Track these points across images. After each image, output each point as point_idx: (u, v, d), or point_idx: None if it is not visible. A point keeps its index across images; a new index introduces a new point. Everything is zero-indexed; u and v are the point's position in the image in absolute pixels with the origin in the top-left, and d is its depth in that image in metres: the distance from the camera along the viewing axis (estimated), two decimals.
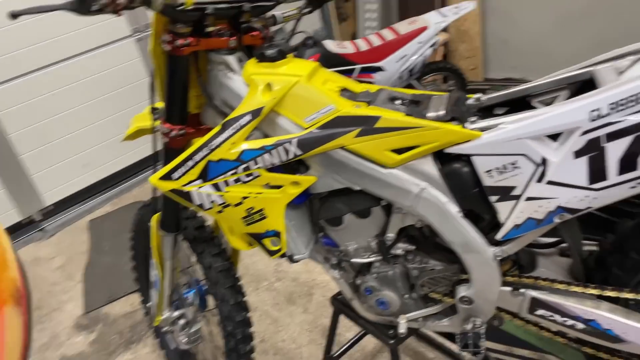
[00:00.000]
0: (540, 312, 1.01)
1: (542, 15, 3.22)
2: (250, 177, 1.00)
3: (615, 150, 0.80)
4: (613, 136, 0.80)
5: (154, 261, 1.32)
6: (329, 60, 2.51)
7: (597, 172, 0.82)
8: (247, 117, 0.97)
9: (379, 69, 2.59)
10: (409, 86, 2.87)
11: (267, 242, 1.08)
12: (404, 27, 2.61)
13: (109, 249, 2.49)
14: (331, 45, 2.56)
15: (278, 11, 1.90)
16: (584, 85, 0.96)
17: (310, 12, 2.46)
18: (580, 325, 0.98)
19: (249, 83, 1.01)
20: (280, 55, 1.01)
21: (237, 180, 1.00)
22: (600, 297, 0.98)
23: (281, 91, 0.97)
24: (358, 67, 2.57)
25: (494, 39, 3.48)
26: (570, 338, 1.06)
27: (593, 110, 0.80)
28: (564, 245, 1.11)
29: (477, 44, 3.51)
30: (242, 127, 0.98)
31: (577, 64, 0.97)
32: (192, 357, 1.66)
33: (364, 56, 2.58)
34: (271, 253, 1.10)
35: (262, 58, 1.01)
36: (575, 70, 0.96)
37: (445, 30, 3.50)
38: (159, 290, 1.34)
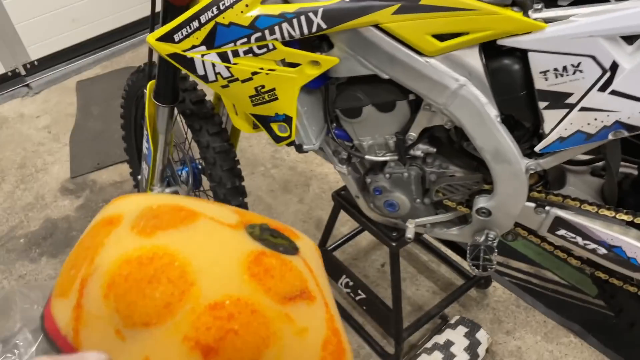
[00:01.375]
0: (562, 232, 0.94)
1: None
2: (264, 50, 0.86)
3: None
4: None
5: (146, 133, 1.20)
6: None
7: None
8: None
9: None
10: None
11: (274, 126, 0.97)
12: None
13: (98, 114, 2.36)
14: None
15: None
16: None
17: None
18: (603, 251, 0.92)
19: None
20: None
21: (248, 51, 0.86)
22: (631, 224, 0.91)
23: None
24: None
25: None
26: (587, 261, 1.00)
27: None
28: (597, 164, 1.02)
29: None
30: None
31: None
32: None
33: None
34: (278, 139, 0.99)
35: None
36: None
37: None
38: (150, 164, 1.25)
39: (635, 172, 0.97)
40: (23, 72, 2.66)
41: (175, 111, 1.20)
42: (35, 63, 2.67)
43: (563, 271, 1.49)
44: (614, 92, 0.74)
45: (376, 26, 0.82)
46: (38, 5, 2.55)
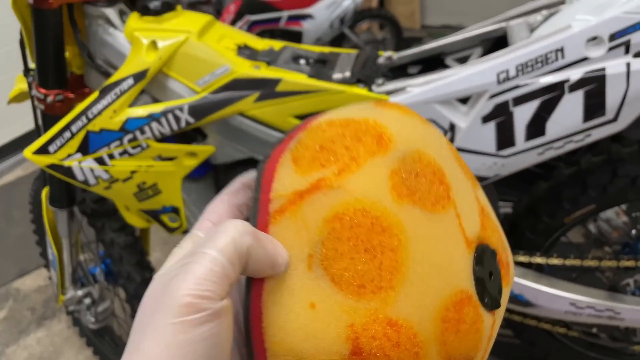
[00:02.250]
0: None
1: None
2: (138, 149, 0.89)
3: (522, 115, 0.75)
4: (520, 100, 0.75)
5: (47, 239, 1.19)
6: (253, 8, 2.34)
7: (505, 138, 0.78)
8: (129, 81, 0.85)
9: (308, 16, 2.45)
10: (342, 35, 2.75)
11: (165, 218, 0.99)
12: None
13: (20, 218, 2.30)
14: None
15: None
16: (498, 41, 0.90)
17: None
18: None
19: (131, 41, 0.88)
20: (166, 8, 0.88)
21: (123, 153, 0.89)
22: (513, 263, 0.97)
23: (168, 50, 0.85)
24: (285, 14, 2.42)
25: None
26: None
27: (500, 72, 0.74)
28: None
29: None
30: (124, 92, 0.86)
31: (492, 18, 0.90)
32: (108, 332, 1.57)
33: (291, 2, 2.42)
34: (170, 230, 1.00)
35: (145, 11, 0.88)
36: (490, 25, 0.89)
37: None
38: (57, 269, 1.23)
39: (511, 212, 1.04)
40: None
41: (76, 211, 1.20)
42: None
43: None
44: (458, 149, 0.80)
45: (241, 114, 0.87)
46: None
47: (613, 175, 0.87)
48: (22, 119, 2.78)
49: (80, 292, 1.28)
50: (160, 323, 0.25)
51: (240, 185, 0.34)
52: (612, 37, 0.67)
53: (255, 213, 0.31)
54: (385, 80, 0.84)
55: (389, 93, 0.82)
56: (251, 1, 2.34)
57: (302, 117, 0.86)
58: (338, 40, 2.75)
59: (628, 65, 0.67)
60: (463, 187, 0.33)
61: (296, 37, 2.43)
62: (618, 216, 1.06)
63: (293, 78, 0.84)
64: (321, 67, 0.89)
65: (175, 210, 0.97)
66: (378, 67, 0.91)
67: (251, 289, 0.29)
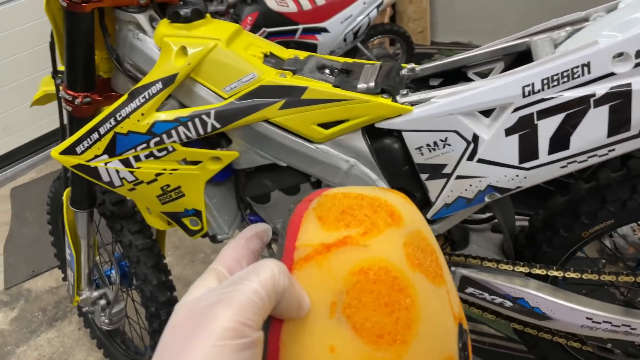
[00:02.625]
0: (470, 290, 0.99)
1: None
2: (164, 152, 0.91)
3: (546, 128, 0.76)
4: (545, 113, 0.76)
5: (67, 239, 1.21)
6: (269, 20, 2.37)
7: (528, 151, 0.79)
8: (158, 85, 0.87)
9: (323, 29, 2.47)
10: (355, 49, 2.78)
11: (186, 221, 1.00)
12: None
13: (33, 219, 2.32)
14: (272, 3, 2.41)
15: None
16: (521, 56, 0.92)
17: None
18: (509, 304, 0.97)
19: (161, 46, 0.90)
20: (197, 15, 0.90)
21: (149, 155, 0.91)
22: (529, 275, 0.97)
23: (197, 56, 0.87)
24: (301, 27, 2.45)
25: (442, 0, 3.42)
26: (499, 314, 1.05)
27: (526, 86, 0.75)
28: (496, 220, 1.09)
29: (425, 6, 3.43)
30: (152, 96, 0.87)
31: (514, 34, 0.92)
32: (119, 334, 1.58)
33: (307, 16, 2.45)
34: (191, 233, 1.02)
35: (176, 18, 0.90)
36: (512, 40, 0.91)
37: None
38: (75, 270, 1.24)
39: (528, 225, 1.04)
40: None
41: (95, 213, 1.22)
42: None
43: (495, 323, 1.53)
44: (480, 160, 0.82)
45: (266, 121, 0.88)
46: None
47: (632, 191, 0.87)
48: (37, 122, 2.81)
49: (95, 294, 1.29)
50: (202, 345, 0.25)
51: (253, 233, 0.37)
52: (639, 54, 0.68)
53: (280, 258, 0.34)
54: (409, 91, 0.86)
55: (413, 103, 0.83)
56: (268, 14, 2.37)
57: (326, 125, 0.87)
58: (350, 54, 2.77)
59: None
60: (446, 270, 0.37)
61: (310, 49, 2.46)
62: (635, 232, 1.06)
63: (319, 87, 0.86)
64: (345, 77, 0.90)
65: (197, 214, 0.98)
66: (401, 78, 0.92)
67: (269, 328, 0.31)
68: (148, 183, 0.93)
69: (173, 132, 0.89)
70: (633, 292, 1.03)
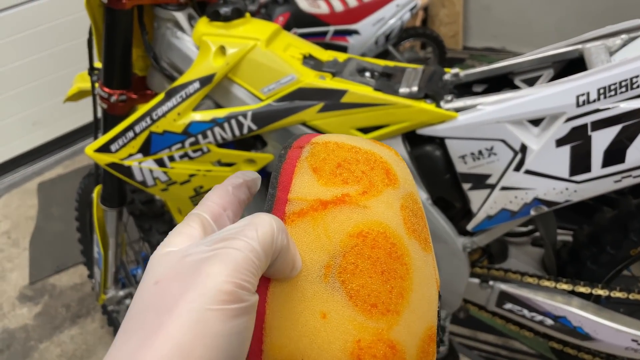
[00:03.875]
0: (509, 306, 0.95)
1: None
2: (199, 153, 0.89)
3: (601, 140, 0.73)
4: (600, 124, 0.72)
5: (95, 237, 1.20)
6: (301, 20, 2.35)
7: (579, 163, 0.75)
8: (196, 85, 0.86)
9: (354, 32, 2.45)
10: (386, 52, 2.75)
11: None
12: None
13: (59, 215, 2.34)
14: (304, 4, 2.40)
15: None
16: (571, 64, 0.88)
17: None
18: (550, 322, 0.93)
19: (199, 45, 0.88)
20: (236, 14, 0.88)
21: (183, 156, 0.89)
22: (572, 293, 0.93)
23: (236, 56, 0.85)
24: (332, 29, 2.43)
25: (476, 4, 3.36)
26: (538, 332, 1.01)
27: (580, 95, 0.71)
28: (537, 234, 1.05)
29: (459, 10, 3.38)
30: (189, 95, 0.86)
31: (566, 40, 0.88)
32: None
33: (338, 17, 2.43)
34: None
35: (215, 17, 0.88)
36: (563, 47, 0.87)
37: None
38: (102, 268, 1.24)
39: (571, 240, 1.00)
40: None
41: (124, 212, 1.21)
42: None
43: (530, 340, 1.48)
44: (528, 172, 0.78)
45: (304, 124, 0.86)
46: (0, 111, 2.60)
47: None
48: (65, 118, 2.84)
49: (121, 293, 1.28)
50: (194, 306, 0.22)
51: (242, 180, 0.33)
52: None
53: (270, 209, 0.31)
54: (453, 97, 0.83)
55: (458, 110, 0.80)
56: (299, 14, 2.36)
57: (365, 130, 0.85)
58: (382, 57, 2.74)
59: None
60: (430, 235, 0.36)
61: (341, 51, 2.44)
62: None
63: (359, 90, 0.83)
64: (387, 80, 0.88)
65: None
66: (445, 83, 0.89)
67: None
68: (181, 184, 0.92)
69: (209, 132, 0.87)
70: None
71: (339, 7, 2.41)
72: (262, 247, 0.25)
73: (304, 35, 2.34)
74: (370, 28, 2.42)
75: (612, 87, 0.70)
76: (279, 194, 0.31)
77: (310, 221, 0.30)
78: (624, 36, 0.82)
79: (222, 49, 0.86)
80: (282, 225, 0.28)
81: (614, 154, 0.73)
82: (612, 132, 0.72)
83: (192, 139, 0.87)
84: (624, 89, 0.70)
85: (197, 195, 0.93)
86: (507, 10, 3.22)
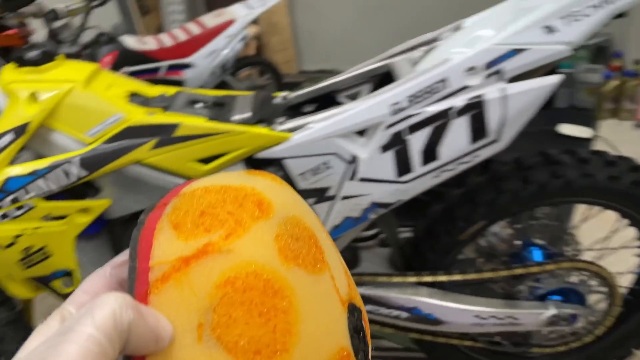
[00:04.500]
0: (368, 307, 1.01)
1: (345, 7, 3.38)
2: (22, 210, 0.81)
3: (417, 142, 0.81)
4: (414, 128, 0.80)
5: None
6: (129, 59, 2.27)
7: (403, 165, 0.82)
8: (9, 137, 0.78)
9: (188, 65, 2.43)
10: (223, 83, 2.77)
11: (57, 284, 0.89)
12: (211, 20, 2.49)
13: None
14: (130, 42, 2.32)
15: (60, 4, 1.63)
16: (385, 77, 0.97)
17: (100, 4, 2.20)
18: (405, 315, 0.99)
19: (8, 94, 0.81)
20: (46, 58, 0.83)
21: (3, 216, 0.80)
22: (420, 284, 1.01)
23: (51, 101, 0.80)
24: (165, 64, 2.38)
25: (303, 30, 3.55)
26: (398, 327, 1.07)
27: (393, 104, 0.79)
28: (383, 235, 1.13)
29: (288, 37, 3.54)
30: (2, 149, 0.78)
31: (376, 57, 0.97)
32: None
33: (169, 52, 2.39)
34: (64, 297, 0.91)
35: (22, 62, 0.82)
36: (374, 63, 0.96)
37: (255, 22, 3.46)
38: None
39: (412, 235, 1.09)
40: None
41: None
42: None
43: (393, 336, 1.57)
44: (362, 179, 0.84)
45: (138, 163, 0.83)
46: None
47: (497, 192, 0.95)
48: None
49: None
50: None
51: (125, 257, 0.31)
52: (487, 66, 0.75)
53: (133, 283, 0.29)
54: (285, 118, 0.86)
55: (291, 130, 0.83)
56: (127, 53, 2.27)
57: (205, 160, 0.84)
58: (220, 88, 2.76)
59: (503, 90, 0.76)
60: (330, 250, 0.35)
61: (178, 85, 2.40)
62: (503, 229, 1.16)
63: (192, 122, 0.82)
64: (219, 109, 0.89)
65: (68, 274, 0.88)
66: (275, 107, 0.92)
67: None
68: (6, 247, 0.82)
69: (31, 186, 0.79)
70: (510, 285, 1.12)
71: (168, 42, 2.38)
72: (101, 332, 0.23)
73: (135, 73, 2.26)
74: (204, 60, 2.42)
75: (418, 94, 0.79)
76: (140, 265, 0.29)
77: (174, 284, 0.28)
78: (424, 48, 0.93)
79: (33, 96, 0.79)
80: (127, 299, 0.26)
81: (429, 152, 0.81)
82: (424, 133, 0.80)
83: (11, 197, 0.79)
84: (427, 95, 0.79)
85: (27, 257, 0.84)
86: (332, 34, 3.46)
